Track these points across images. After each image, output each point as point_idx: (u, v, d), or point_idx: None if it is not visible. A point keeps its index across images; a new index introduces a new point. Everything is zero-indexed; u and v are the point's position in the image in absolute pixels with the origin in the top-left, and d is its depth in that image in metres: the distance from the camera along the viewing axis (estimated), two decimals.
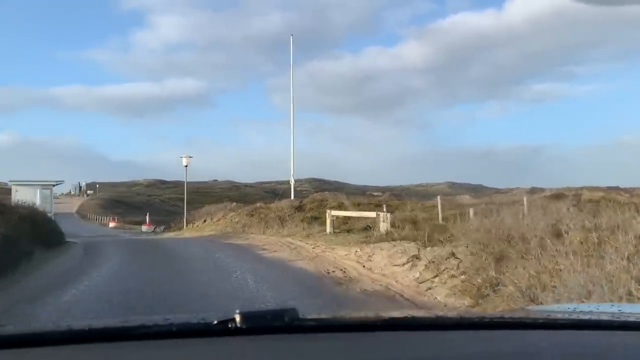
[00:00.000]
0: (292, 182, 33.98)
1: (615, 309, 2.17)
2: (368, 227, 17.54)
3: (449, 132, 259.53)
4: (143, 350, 1.48)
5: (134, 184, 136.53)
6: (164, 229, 37.33)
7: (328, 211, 19.22)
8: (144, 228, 40.61)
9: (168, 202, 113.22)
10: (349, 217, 19.78)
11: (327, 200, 29.17)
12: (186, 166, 34.47)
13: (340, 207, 27.02)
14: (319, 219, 24.68)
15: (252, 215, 28.31)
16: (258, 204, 31.03)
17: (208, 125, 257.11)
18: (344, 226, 19.28)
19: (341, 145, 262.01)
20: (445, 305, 7.89)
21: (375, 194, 57.87)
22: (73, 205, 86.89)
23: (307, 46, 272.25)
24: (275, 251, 16.28)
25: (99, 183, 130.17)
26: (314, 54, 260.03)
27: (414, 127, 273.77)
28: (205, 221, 32.56)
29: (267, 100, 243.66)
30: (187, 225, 33.99)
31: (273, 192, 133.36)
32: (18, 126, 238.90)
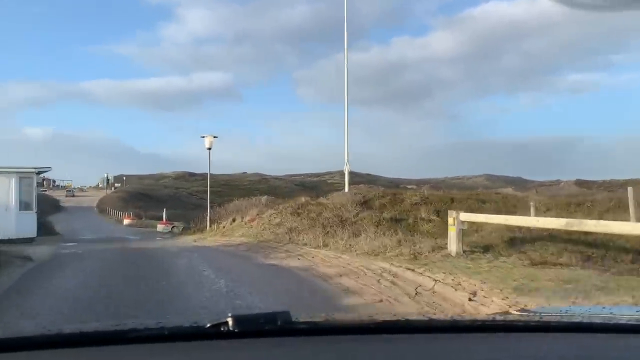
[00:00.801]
0: (347, 170, 25.34)
1: (606, 312, 2.14)
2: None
3: (479, 124, 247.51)
4: (135, 354, 1.43)
5: (161, 177, 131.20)
6: (182, 229, 29.06)
7: (452, 213, 10.51)
8: (160, 227, 32.54)
9: (195, 195, 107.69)
10: (477, 223, 11.09)
11: (402, 195, 20.47)
12: (209, 149, 26.17)
13: (427, 203, 18.28)
14: (403, 223, 16.03)
15: (298, 215, 19.81)
16: (303, 199, 22.51)
17: (235, 118, 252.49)
18: (472, 239, 10.65)
19: (369, 137, 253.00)
20: None
21: (410, 187, 53.76)
22: (97, 198, 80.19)
23: (334, 38, 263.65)
24: (379, 300, 7.72)
25: (126, 175, 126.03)
26: (341, 45, 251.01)
27: (443, 119, 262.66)
28: (234, 221, 24.16)
29: (294, 92, 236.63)
30: (210, 226, 25.65)
31: (302, 184, 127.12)
32: (51, 120, 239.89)
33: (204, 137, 26.13)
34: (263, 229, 19.98)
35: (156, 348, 1.46)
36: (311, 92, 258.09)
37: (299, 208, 20.64)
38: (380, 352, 1.45)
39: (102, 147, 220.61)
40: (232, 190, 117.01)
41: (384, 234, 12.96)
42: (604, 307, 2.76)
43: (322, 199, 21.57)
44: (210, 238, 22.15)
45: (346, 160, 25.44)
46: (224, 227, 24.44)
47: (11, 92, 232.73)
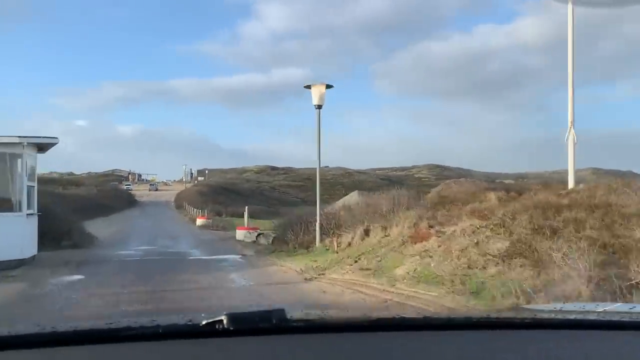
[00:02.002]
0: (572, 142, 13.08)
1: (600, 309, 2.10)
2: None
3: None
4: (129, 352, 1.39)
5: (243, 171, 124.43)
6: (273, 240, 17.79)
7: None
8: (241, 234, 21.58)
9: (278, 189, 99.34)
10: None
11: None
12: (319, 107, 14.73)
13: None
14: None
15: (539, 232, 7.85)
16: (533, 192, 10.49)
17: (313, 113, 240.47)
18: None
19: (451, 130, 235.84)
20: None
21: (507, 181, 45.77)
22: (177, 192, 72.30)
23: (414, 28, 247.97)
24: None
25: (209, 169, 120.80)
26: (421, 35, 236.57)
27: (531, 110, 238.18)
28: (367, 234, 12.60)
29: (372, 85, 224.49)
30: (322, 240, 14.21)
31: (388, 179, 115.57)
32: (140, 118, 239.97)
33: (309, 87, 14.71)
34: (468, 262, 8.22)
35: (151, 346, 1.39)
36: (389, 84, 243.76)
37: (540, 212, 8.71)
38: (375, 350, 1.39)
39: (187, 143, 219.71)
40: (315, 184, 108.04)
41: None
42: (597, 304, 2.49)
43: (593, 195, 9.52)
44: (336, 274, 10.61)
45: (570, 125, 13.19)
46: (349, 244, 12.94)
47: (106, 92, 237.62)
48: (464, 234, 9.27)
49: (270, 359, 1.35)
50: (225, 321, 1.39)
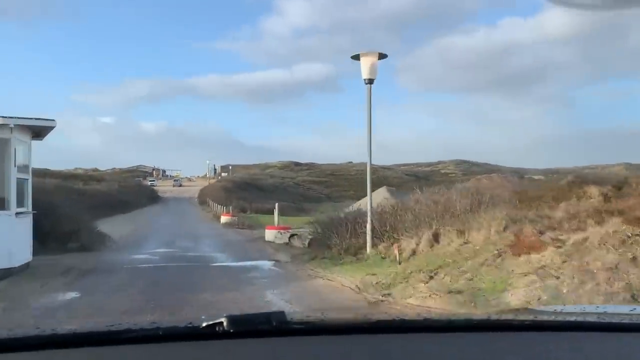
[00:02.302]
0: None
1: (600, 310, 2.09)
2: None
3: (600, 110, 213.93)
4: (129, 354, 1.35)
5: (266, 166, 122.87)
6: (309, 243, 15.03)
7: None
8: (271, 234, 18.84)
9: (302, 185, 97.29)
10: None
11: None
12: (370, 81, 11.87)
13: None
14: None
15: None
16: None
17: (335, 109, 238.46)
18: None
19: (476, 125, 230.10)
20: None
21: (537, 177, 45.01)
22: (199, 188, 70.27)
23: (437, 22, 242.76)
24: None
25: (232, 165, 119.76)
26: (444, 29, 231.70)
27: (558, 105, 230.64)
28: (436, 239, 9.75)
29: (394, 80, 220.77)
30: (373, 247, 11.40)
31: (414, 175, 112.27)
32: (164, 115, 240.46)
33: (357, 57, 11.82)
34: (628, 288, 5.32)
35: (151, 349, 1.37)
36: (411, 79, 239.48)
37: None
38: (375, 352, 1.37)
39: (210, 139, 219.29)
40: (338, 180, 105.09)
41: None
42: (598, 306, 2.62)
43: None
44: (411, 296, 7.74)
45: None
46: (413, 252, 10.10)
47: (130, 89, 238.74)
48: (603, 245, 6.39)
49: None
50: (225, 323, 1.37)
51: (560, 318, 1.83)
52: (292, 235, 17.28)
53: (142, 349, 1.36)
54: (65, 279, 10.13)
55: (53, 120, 11.04)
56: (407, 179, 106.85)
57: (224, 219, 30.70)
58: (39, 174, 41.52)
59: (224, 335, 1.36)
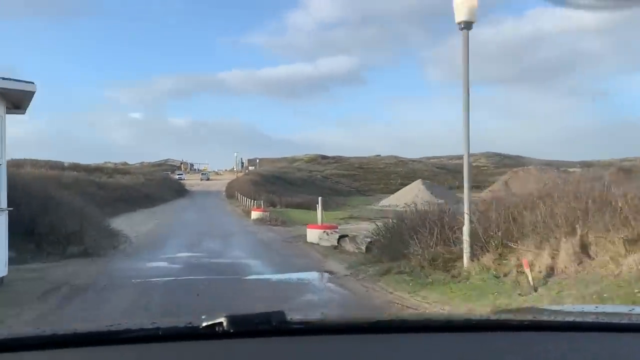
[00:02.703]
0: None
1: (599, 310, 2.04)
2: None
3: (634, 101, 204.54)
4: (129, 354, 1.34)
5: (294, 160, 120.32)
6: (367, 247, 11.72)
7: None
8: (314, 234, 15.52)
9: (330, 179, 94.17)
10: None
11: None
12: (466, 25, 8.49)
13: None
14: None
15: None
16: None
17: (361, 102, 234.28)
18: None
19: (507, 117, 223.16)
20: None
21: (571, 170, 44.65)
22: (228, 182, 67.75)
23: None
24: None
25: (259, 159, 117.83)
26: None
27: (589, 96, 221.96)
28: (587, 257, 6.29)
29: (421, 73, 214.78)
30: (475, 257, 7.99)
31: (444, 167, 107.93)
32: (191, 110, 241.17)
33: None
34: None
35: (151, 348, 1.35)
36: (438, 71, 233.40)
37: None
38: (374, 351, 1.36)
39: (237, 133, 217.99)
40: (367, 173, 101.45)
41: None
42: (597, 306, 2.53)
43: None
44: None
45: None
46: (549, 270, 6.69)
47: (159, 85, 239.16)
48: None
49: None
50: (225, 323, 1.35)
51: (559, 318, 1.77)
52: (341, 237, 13.99)
53: (142, 349, 1.34)
54: (43, 305, 7.06)
55: (32, 83, 7.94)
56: (437, 172, 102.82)
57: (254, 214, 27.54)
58: (57, 167, 39.29)
59: (224, 335, 1.35)
